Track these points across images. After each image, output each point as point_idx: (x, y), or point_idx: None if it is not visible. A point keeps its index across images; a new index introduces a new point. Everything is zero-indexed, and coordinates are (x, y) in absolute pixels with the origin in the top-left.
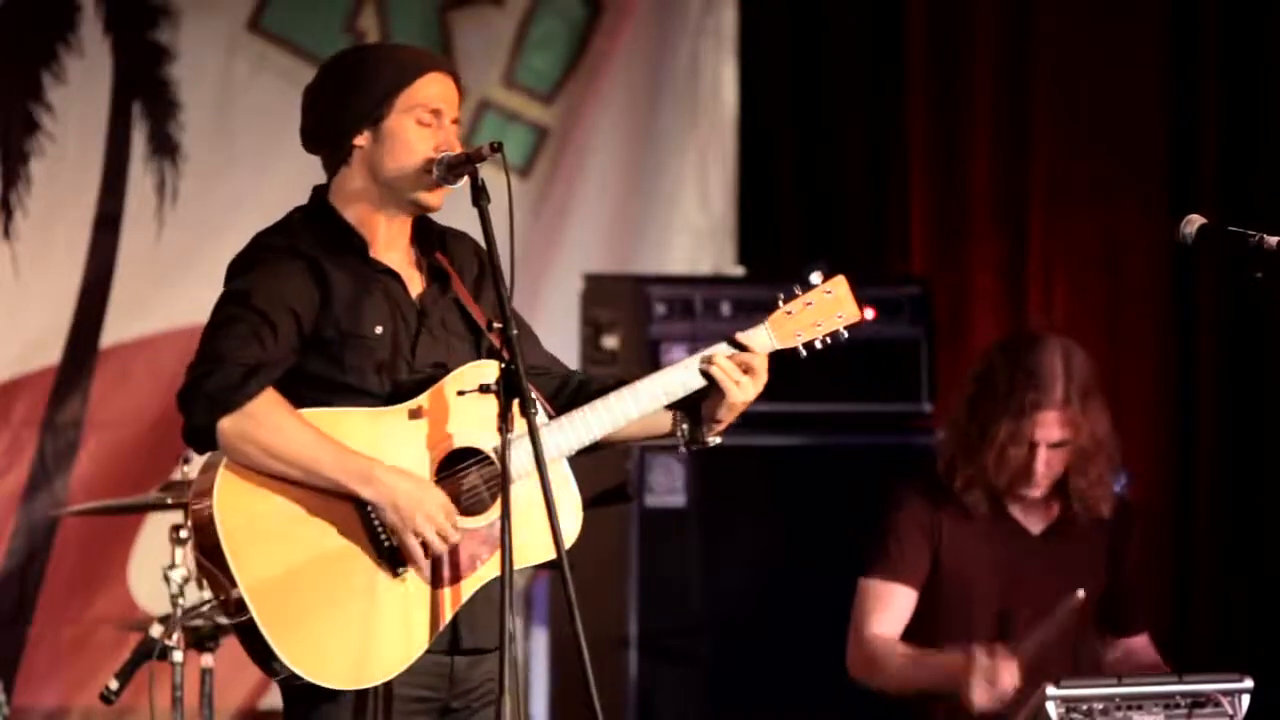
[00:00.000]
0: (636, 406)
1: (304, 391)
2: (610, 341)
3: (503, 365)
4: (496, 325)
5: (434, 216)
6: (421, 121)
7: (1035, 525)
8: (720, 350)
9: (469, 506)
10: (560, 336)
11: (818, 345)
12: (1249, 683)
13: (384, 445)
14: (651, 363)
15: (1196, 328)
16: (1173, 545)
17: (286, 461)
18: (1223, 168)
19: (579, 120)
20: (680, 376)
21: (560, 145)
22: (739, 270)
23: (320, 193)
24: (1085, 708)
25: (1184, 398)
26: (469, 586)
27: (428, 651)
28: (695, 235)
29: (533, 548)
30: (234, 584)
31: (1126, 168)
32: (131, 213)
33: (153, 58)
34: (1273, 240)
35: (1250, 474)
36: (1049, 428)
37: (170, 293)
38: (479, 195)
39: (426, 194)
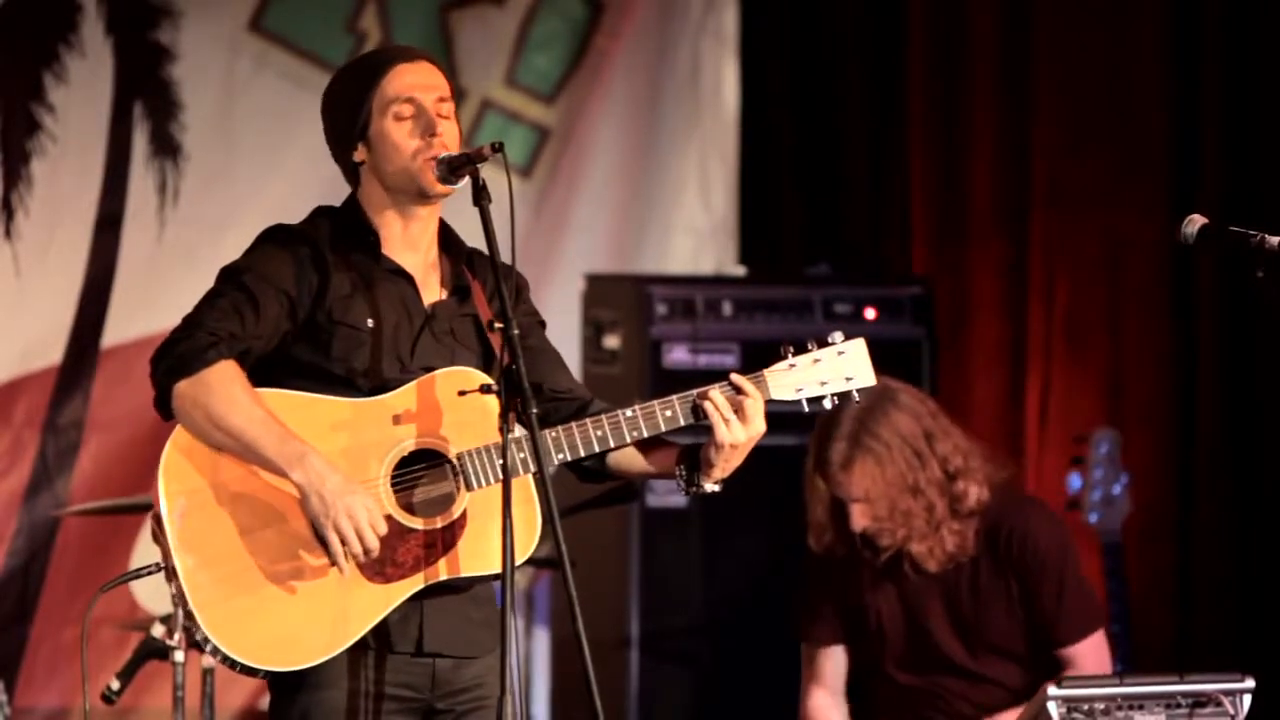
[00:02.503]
0: (627, 430)
1: (292, 377)
2: (611, 341)
3: (503, 367)
4: (497, 326)
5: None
6: (399, 116)
7: (932, 563)
8: (716, 387)
9: (421, 508)
10: (561, 336)
11: (826, 404)
12: (1249, 683)
13: (341, 435)
14: (653, 363)
15: (1196, 328)
16: (1173, 545)
17: (229, 434)
18: (1224, 168)
19: (580, 120)
20: (675, 407)
21: (561, 145)
22: (740, 270)
23: (354, 194)
24: (1086, 707)
25: (1184, 397)
26: (406, 587)
27: (397, 652)
28: (696, 235)
29: (488, 556)
30: (168, 548)
31: (1127, 168)
32: (133, 213)
33: (154, 58)
34: (1274, 240)
35: (1251, 473)
36: (838, 486)
37: (171, 293)
38: (480, 195)
39: (433, 183)
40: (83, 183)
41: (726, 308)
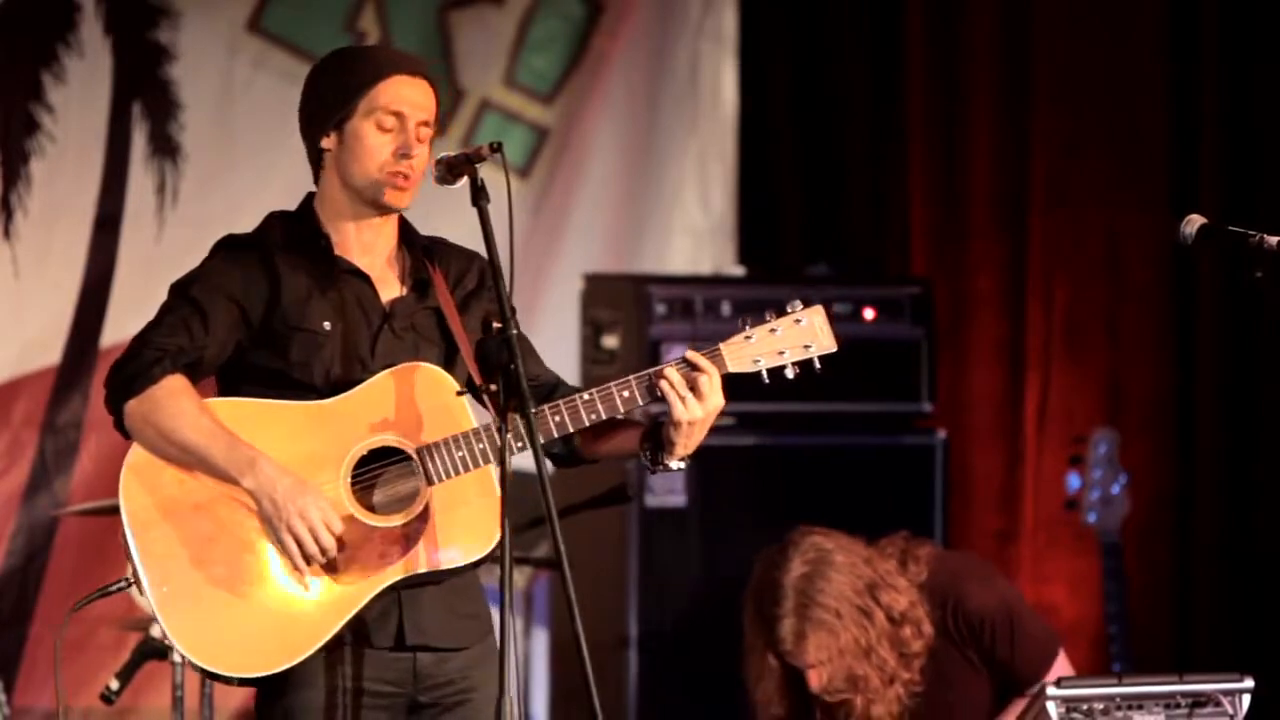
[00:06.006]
0: (585, 413)
1: (254, 385)
2: (610, 341)
3: (501, 367)
4: (496, 325)
5: (434, 216)
6: (382, 126)
7: None
8: (672, 365)
9: (384, 506)
10: (560, 336)
11: (788, 374)
12: (1249, 683)
13: (299, 438)
14: (652, 363)
15: (1196, 328)
16: (1173, 545)
17: (180, 447)
18: (1223, 167)
19: (579, 120)
20: (633, 387)
21: (560, 145)
22: (739, 270)
23: (310, 196)
24: (1085, 707)
25: (1184, 397)
26: (372, 585)
27: (377, 647)
28: (695, 235)
29: (454, 549)
30: (134, 562)
31: (1127, 168)
32: (132, 213)
33: (153, 58)
34: (1273, 240)
35: (1250, 473)
36: (793, 657)
37: None
38: (478, 195)
39: (388, 196)
40: (82, 183)
41: (725, 308)
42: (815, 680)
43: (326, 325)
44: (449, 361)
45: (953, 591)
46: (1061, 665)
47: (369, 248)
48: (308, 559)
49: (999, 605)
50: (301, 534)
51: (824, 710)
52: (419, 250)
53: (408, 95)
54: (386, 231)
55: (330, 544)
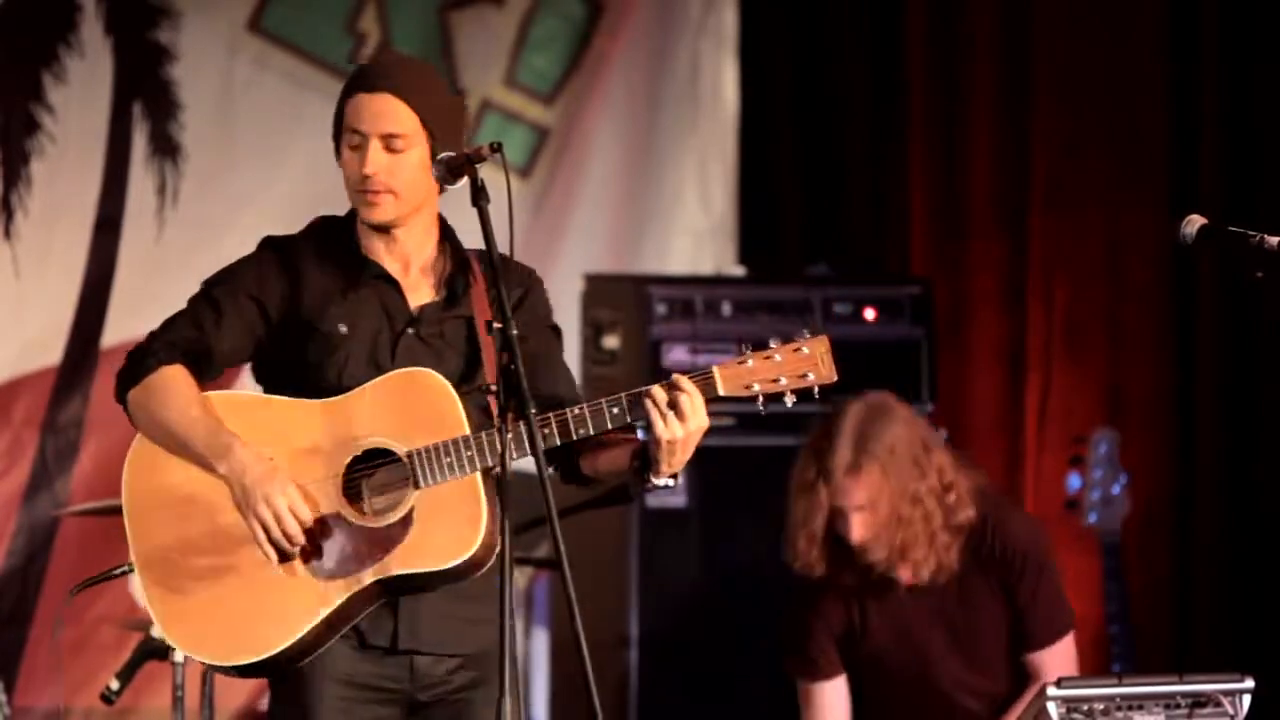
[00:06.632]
0: (574, 427)
1: (273, 382)
2: (611, 342)
3: (502, 367)
4: (496, 325)
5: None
6: (351, 145)
7: (925, 571)
8: (659, 384)
9: (372, 505)
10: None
11: (787, 402)
12: (1249, 683)
13: (298, 434)
14: (652, 363)
15: (1196, 328)
16: (1173, 545)
17: (168, 434)
18: (1223, 168)
19: (580, 120)
20: (622, 404)
21: (561, 145)
22: (739, 270)
23: None
24: (1086, 707)
25: (1184, 397)
26: (352, 583)
27: (375, 647)
28: (696, 235)
29: (435, 552)
30: (129, 548)
31: (1127, 168)
32: (132, 213)
33: (153, 58)
34: (1273, 240)
35: (1250, 473)
36: (843, 493)
37: (171, 293)
38: (479, 195)
39: (362, 212)
40: (82, 183)
41: (726, 308)
42: (859, 527)
43: (343, 328)
44: (471, 370)
45: (999, 510)
46: (1067, 649)
47: (399, 252)
48: (276, 546)
49: (1036, 545)
50: (266, 519)
51: (861, 559)
52: (459, 259)
53: (368, 112)
54: (415, 238)
55: (295, 531)
